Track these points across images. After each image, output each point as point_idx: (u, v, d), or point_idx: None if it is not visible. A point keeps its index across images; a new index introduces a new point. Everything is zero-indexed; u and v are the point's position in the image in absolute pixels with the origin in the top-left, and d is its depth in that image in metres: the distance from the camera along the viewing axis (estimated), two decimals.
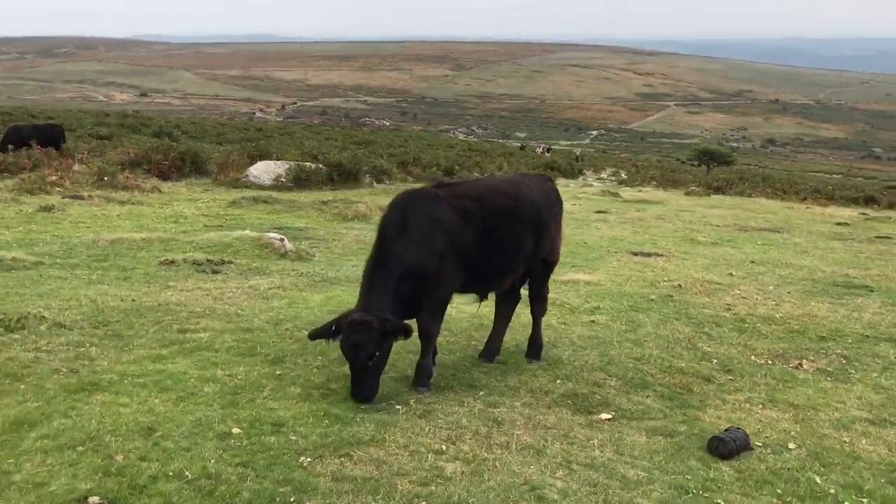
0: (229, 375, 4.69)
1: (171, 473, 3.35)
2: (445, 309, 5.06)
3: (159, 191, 15.48)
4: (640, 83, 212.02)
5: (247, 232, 9.34)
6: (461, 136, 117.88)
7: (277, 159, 18.83)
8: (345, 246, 10.22)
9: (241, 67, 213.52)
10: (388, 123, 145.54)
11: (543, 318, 5.81)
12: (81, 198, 13.68)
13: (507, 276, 5.34)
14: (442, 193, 4.98)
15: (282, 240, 9.11)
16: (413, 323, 4.70)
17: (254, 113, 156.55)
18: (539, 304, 5.72)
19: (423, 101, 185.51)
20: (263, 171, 17.30)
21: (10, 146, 21.22)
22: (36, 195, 13.74)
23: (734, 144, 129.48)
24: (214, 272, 7.72)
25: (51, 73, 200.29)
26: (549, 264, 5.74)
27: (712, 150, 68.93)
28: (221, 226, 11.18)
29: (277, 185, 16.72)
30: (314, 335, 4.64)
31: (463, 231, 4.88)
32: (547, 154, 45.87)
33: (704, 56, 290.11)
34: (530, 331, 5.73)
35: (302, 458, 3.65)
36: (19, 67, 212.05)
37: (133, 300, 6.31)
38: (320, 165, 18.10)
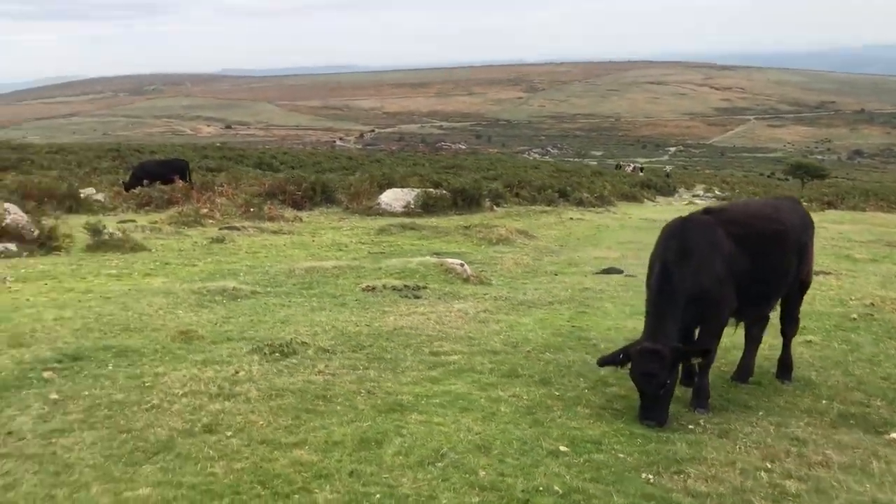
0: (513, 396, 4.90)
1: (540, 489, 3.55)
2: (722, 333, 5.17)
3: (300, 220, 16.08)
4: (718, 98, 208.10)
5: (427, 258, 9.65)
6: (536, 157, 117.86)
7: (401, 187, 19.33)
8: (508, 270, 10.42)
9: (320, 98, 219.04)
10: (464, 147, 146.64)
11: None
12: (237, 229, 14.33)
13: (773, 299, 5.44)
14: (714, 220, 5.11)
15: (462, 265, 9.38)
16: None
17: (334, 142, 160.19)
18: (792, 326, 5.78)
19: (497, 124, 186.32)
20: (393, 198, 17.78)
21: (146, 181, 22.39)
22: (193, 227, 14.46)
23: (819, 157, 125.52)
24: (416, 297, 8.01)
25: (141, 110, 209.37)
26: (805, 286, 5.81)
27: (806, 163, 66.93)
28: (383, 252, 11.56)
29: (408, 212, 17.15)
30: (603, 362, 4.82)
31: (738, 256, 4.99)
32: (640, 173, 45.47)
33: (783, 68, 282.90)
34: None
35: (644, 475, 3.80)
36: (113, 105, 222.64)
37: (367, 325, 6.62)
38: (443, 191, 18.50)
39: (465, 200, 18.49)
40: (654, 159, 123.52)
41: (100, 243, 11.10)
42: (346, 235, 13.80)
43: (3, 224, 10.82)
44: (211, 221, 15.20)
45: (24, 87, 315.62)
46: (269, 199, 17.87)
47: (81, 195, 17.99)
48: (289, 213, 16.67)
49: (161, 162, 26.26)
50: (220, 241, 12.23)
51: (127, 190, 21.77)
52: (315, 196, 18.72)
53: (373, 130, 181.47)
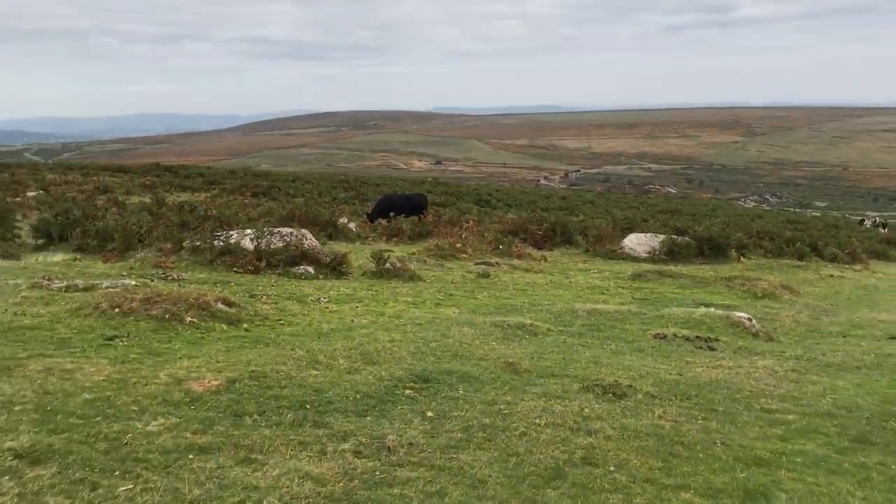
0: (879, 464, 4.75)
1: None
2: None
3: (545, 259, 16.44)
4: None
5: (711, 310, 9.54)
6: (753, 204, 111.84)
7: (642, 231, 19.24)
8: (789, 327, 10.01)
9: (527, 137, 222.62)
10: (673, 191, 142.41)
11: None
12: (491, 264, 14.93)
13: None
14: None
15: (749, 320, 9.18)
16: None
17: (538, 180, 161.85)
18: None
19: (711, 168, 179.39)
20: (637, 243, 17.72)
21: (392, 213, 23.87)
22: (450, 260, 15.23)
23: None
24: (710, 349, 7.95)
25: (361, 143, 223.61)
26: None
27: None
28: (647, 299, 11.55)
29: (653, 258, 17.01)
30: None
31: None
32: (883, 229, 41.80)
33: None
34: None
35: None
36: (336, 138, 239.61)
37: (679, 374, 6.68)
38: (688, 238, 18.16)
39: (712, 249, 18.02)
40: (888, 213, 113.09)
41: (383, 271, 12.04)
42: (598, 278, 13.91)
43: (303, 249, 12.05)
44: (464, 255, 15.93)
45: (263, 119, 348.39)
46: (512, 237, 18.44)
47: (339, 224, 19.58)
48: (537, 252, 17.10)
49: (405, 196, 27.93)
50: (485, 276, 12.81)
51: (371, 221, 23.35)
52: (555, 236, 19.07)
53: (578, 170, 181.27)
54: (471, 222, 19.91)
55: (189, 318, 7.27)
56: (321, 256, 12.11)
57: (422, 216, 24.72)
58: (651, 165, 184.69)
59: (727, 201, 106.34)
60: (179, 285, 9.76)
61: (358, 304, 9.25)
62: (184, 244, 12.14)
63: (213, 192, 40.65)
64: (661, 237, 17.98)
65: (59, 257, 12.16)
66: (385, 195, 28.90)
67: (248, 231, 12.53)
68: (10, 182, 36.08)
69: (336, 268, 12.01)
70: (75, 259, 12.06)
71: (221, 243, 12.00)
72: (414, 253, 15.85)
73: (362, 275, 12.13)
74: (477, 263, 14.87)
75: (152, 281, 9.89)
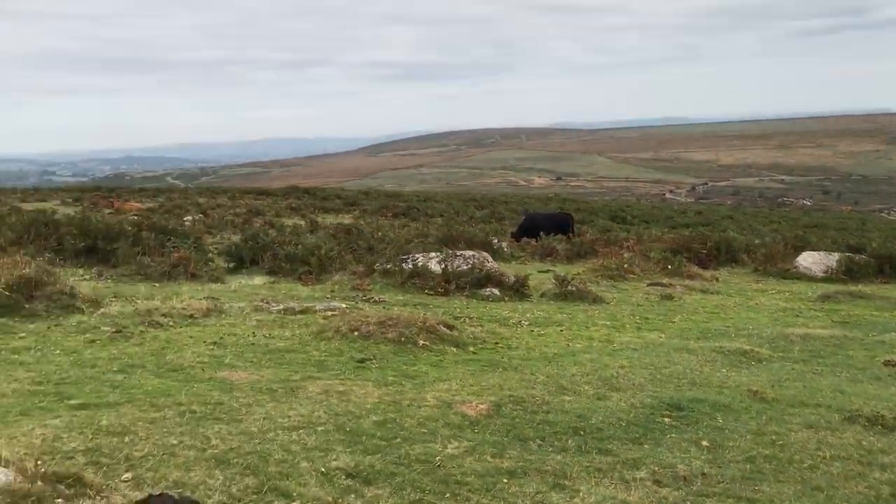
0: None
1: None
2: None
3: (716, 279, 16.06)
4: None
5: None
6: None
7: (813, 249, 18.49)
8: None
9: (651, 150, 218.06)
10: (808, 203, 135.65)
11: None
12: (664, 285, 14.71)
13: None
14: None
15: None
16: None
17: (663, 194, 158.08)
18: None
19: (849, 179, 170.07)
20: (812, 262, 17.04)
21: (541, 233, 23.96)
22: (620, 281, 15.13)
23: None
24: None
25: (480, 161, 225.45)
26: None
27: None
28: (847, 322, 11.08)
29: (829, 277, 16.31)
30: None
31: None
32: None
33: None
34: None
35: None
36: (455, 157, 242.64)
37: None
38: (866, 257, 17.33)
39: (893, 267, 17.10)
40: None
41: (566, 293, 12.13)
42: (782, 299, 13.45)
43: (487, 271, 12.32)
44: (633, 276, 15.79)
45: (383, 141, 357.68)
46: (678, 256, 18.13)
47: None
48: (701, 271, 16.74)
49: (549, 215, 28.00)
50: (668, 297, 12.67)
51: (517, 240, 23.49)
52: (720, 255, 18.62)
53: (706, 183, 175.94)
54: (631, 241, 19.72)
55: (422, 341, 7.60)
56: (504, 278, 12.33)
57: (568, 235, 24.66)
58: (783, 177, 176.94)
59: (870, 213, 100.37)
60: (384, 307, 10.20)
61: (560, 328, 9.36)
62: (375, 267, 12.68)
63: (355, 214, 42.09)
64: (836, 255, 17.21)
65: (258, 280, 12.93)
66: (529, 214, 29.03)
67: (432, 254, 12.94)
68: (172, 207, 38.62)
69: (519, 290, 12.20)
70: (273, 282, 12.80)
71: (410, 266, 12.45)
72: (579, 273, 15.81)
73: (541, 296, 12.27)
74: (650, 284, 14.70)
75: (358, 303, 10.38)
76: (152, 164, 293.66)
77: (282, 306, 9.94)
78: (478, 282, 12.01)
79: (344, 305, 10.01)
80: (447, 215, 41.61)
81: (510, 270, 13.84)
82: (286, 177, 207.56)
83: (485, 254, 13.24)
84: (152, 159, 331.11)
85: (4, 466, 4.00)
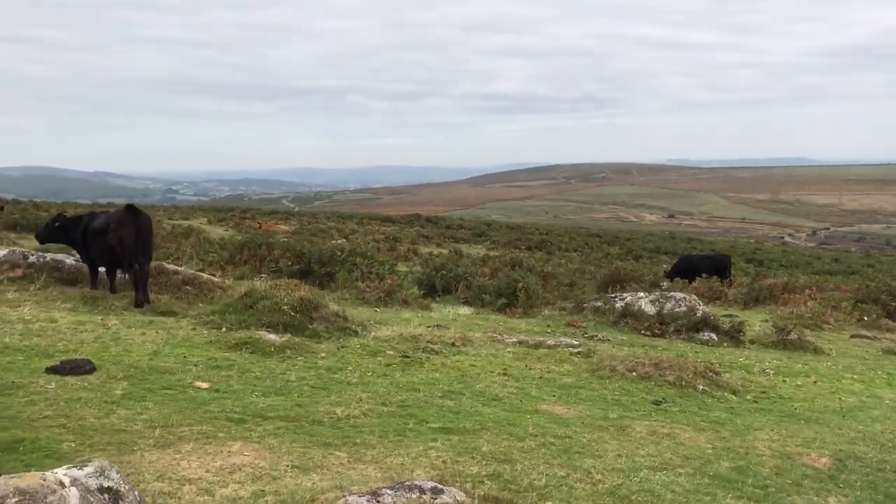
0: None
1: None
2: None
3: None
4: None
5: None
6: None
7: None
8: None
9: (768, 191, 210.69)
10: None
11: None
12: (867, 337, 14.23)
13: None
14: None
15: None
16: None
17: (782, 237, 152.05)
18: None
19: None
20: None
21: (698, 275, 23.52)
22: (817, 330, 14.68)
23: None
24: None
25: (589, 196, 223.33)
26: None
27: None
28: None
29: None
30: None
31: None
32: None
33: None
34: None
35: None
36: (564, 191, 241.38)
37: None
38: None
39: None
40: None
41: (785, 342, 11.87)
42: None
43: (704, 315, 12.22)
44: (828, 326, 15.30)
45: (492, 172, 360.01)
46: (866, 307, 17.45)
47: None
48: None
49: (706, 256, 27.45)
50: (893, 353, 12.22)
51: (670, 280, 23.11)
52: None
53: (827, 228, 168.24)
54: (813, 289, 19.10)
55: (701, 386, 7.63)
56: (718, 323, 12.20)
57: (724, 278, 24.10)
58: None
59: None
60: (612, 346, 10.29)
61: (808, 378, 9.17)
62: (584, 304, 12.80)
63: (487, 244, 42.44)
64: None
65: (463, 310, 13.24)
66: (685, 255, 28.61)
67: (641, 294, 12.95)
68: (317, 230, 40.09)
69: (734, 335, 12.03)
70: (477, 312, 13.09)
71: (620, 305, 12.50)
72: (766, 320, 15.46)
73: (751, 342, 12.06)
74: (852, 336, 14.22)
75: (584, 340, 10.49)
76: (268, 186, 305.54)
77: (515, 339, 10.17)
78: (694, 325, 11.92)
79: (576, 342, 10.13)
80: (583, 251, 41.45)
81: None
82: (396, 203, 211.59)
83: (694, 297, 13.11)
84: (268, 182, 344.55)
85: (450, 485, 4.29)
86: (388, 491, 4.04)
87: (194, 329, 8.53)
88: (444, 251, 33.93)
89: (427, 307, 13.21)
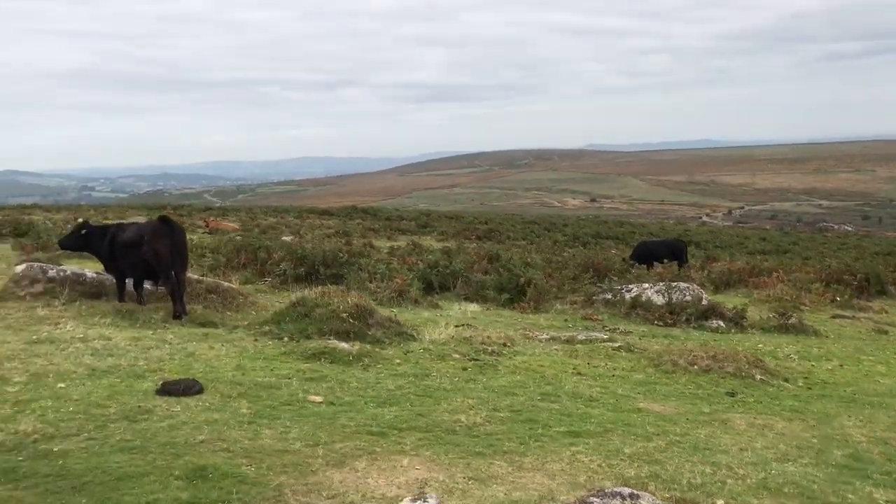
0: None
1: None
2: None
3: (885, 312, 16.41)
4: None
5: None
6: None
7: None
8: None
9: (685, 173, 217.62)
10: (850, 229, 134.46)
11: None
12: (846, 317, 15.13)
13: None
14: None
15: None
16: None
17: (700, 217, 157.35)
18: None
19: (890, 205, 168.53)
20: None
21: (652, 261, 24.25)
22: (794, 312, 15.53)
23: None
24: None
25: (513, 182, 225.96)
26: None
27: None
28: None
29: None
30: None
31: None
32: None
33: None
34: None
35: None
36: (488, 178, 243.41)
37: None
38: None
39: None
40: None
41: (787, 326, 12.55)
42: None
43: (711, 303, 12.80)
44: (806, 308, 16.17)
45: (415, 161, 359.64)
46: (839, 288, 18.45)
47: None
48: (875, 303, 17.12)
49: (662, 242, 28.32)
50: (882, 332, 13.07)
51: (631, 266, 23.80)
52: (869, 287, 18.97)
53: (742, 207, 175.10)
54: (780, 272, 20.10)
55: (759, 376, 8.09)
56: (723, 310, 12.80)
57: (681, 264, 25.01)
58: (822, 202, 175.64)
59: None
60: (638, 337, 10.72)
61: (833, 362, 9.77)
62: (594, 297, 13.21)
63: (436, 236, 42.51)
64: None
65: (472, 307, 13.46)
66: (642, 242, 29.42)
67: (646, 285, 13.44)
68: (266, 227, 39.46)
69: (738, 322, 12.65)
70: (487, 309, 13.34)
71: (629, 297, 12.96)
72: (746, 304, 16.23)
73: (751, 327, 12.70)
74: (833, 317, 15.09)
75: (608, 333, 10.87)
76: (188, 181, 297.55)
77: (546, 336, 10.49)
78: (703, 314, 12.47)
79: (605, 336, 10.51)
80: (530, 239, 42.09)
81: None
82: (322, 195, 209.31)
83: (695, 286, 13.70)
84: (187, 176, 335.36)
85: (624, 485, 4.55)
86: (595, 499, 4.28)
87: (257, 340, 8.51)
88: (401, 244, 33.71)
89: (436, 305, 13.37)
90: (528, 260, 20.92)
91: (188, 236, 11.72)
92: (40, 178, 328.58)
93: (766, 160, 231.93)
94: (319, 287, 13.75)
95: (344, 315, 8.80)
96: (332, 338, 8.47)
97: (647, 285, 13.40)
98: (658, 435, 5.90)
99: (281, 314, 9.18)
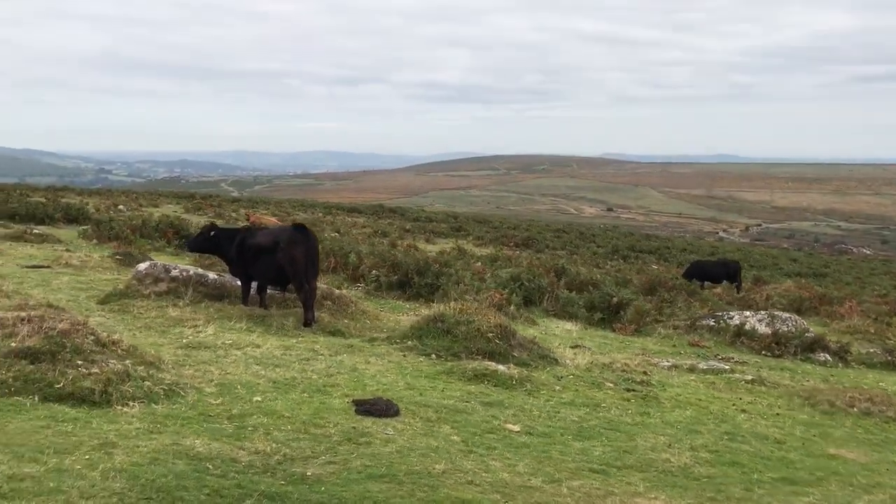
0: None
1: None
2: None
3: None
4: None
5: None
6: None
7: None
8: None
9: (704, 187, 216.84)
10: (868, 252, 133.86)
11: None
12: None
13: None
14: None
15: None
16: None
17: (717, 233, 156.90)
18: None
19: None
20: None
21: (703, 280, 24.18)
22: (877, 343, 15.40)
23: None
24: None
25: (530, 187, 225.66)
26: None
27: None
28: None
29: None
30: None
31: None
32: None
33: None
34: None
35: None
36: (505, 182, 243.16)
37: None
38: None
39: None
40: None
41: (893, 363, 12.43)
42: None
43: (811, 334, 12.68)
44: (890, 342, 16.03)
45: (432, 161, 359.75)
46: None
47: None
48: None
49: (720, 262, 28.17)
50: None
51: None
52: None
53: (760, 224, 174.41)
54: (854, 301, 19.95)
55: None
56: (827, 343, 12.68)
57: (738, 285, 24.91)
58: (840, 223, 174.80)
59: None
60: (757, 369, 10.61)
61: None
62: (697, 323, 13.12)
63: (472, 241, 42.27)
64: None
65: (568, 326, 13.37)
66: (697, 261, 29.30)
67: (747, 313, 13.34)
68: (309, 223, 39.40)
69: (843, 356, 12.53)
70: (584, 328, 13.24)
71: (734, 324, 12.86)
72: (825, 334, 16.08)
73: (854, 362, 12.57)
74: None
75: (728, 363, 10.78)
76: (205, 168, 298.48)
77: (668, 363, 10.39)
78: (809, 346, 12.35)
79: (727, 367, 10.40)
80: (570, 249, 41.97)
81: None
82: (338, 190, 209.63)
83: (796, 316, 13.59)
84: (205, 164, 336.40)
85: None
86: None
87: (405, 356, 8.44)
88: (444, 247, 33.35)
89: (533, 322, 13.28)
90: (594, 276, 20.82)
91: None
92: (59, 158, 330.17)
93: (785, 178, 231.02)
94: (410, 295, 13.72)
95: (490, 335, 8.72)
96: (479, 357, 8.40)
97: (748, 313, 13.30)
98: (874, 487, 5.80)
99: (420, 329, 9.10)
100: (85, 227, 21.59)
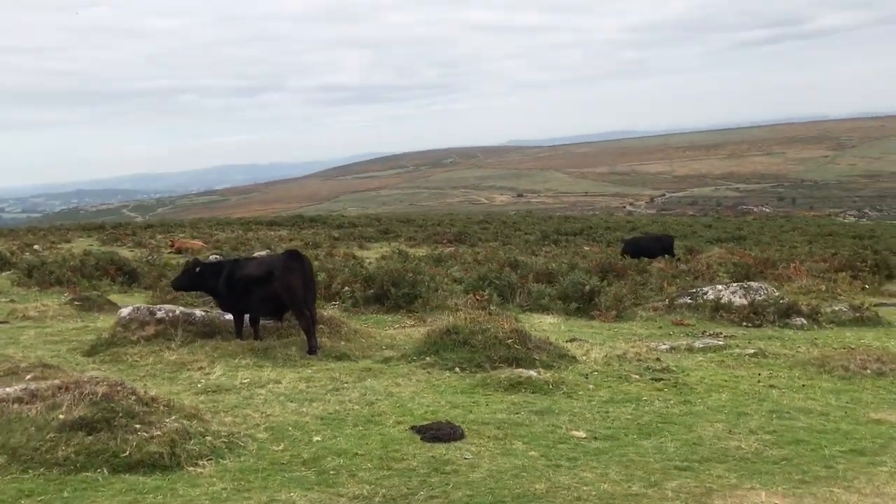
0: None
1: None
2: None
3: None
4: None
5: None
6: (852, 219, 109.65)
7: None
8: None
9: (606, 164, 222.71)
10: (768, 210, 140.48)
11: None
12: (890, 305, 15.83)
13: None
14: None
15: None
16: None
17: (624, 207, 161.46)
18: None
19: (802, 185, 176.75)
20: None
21: (642, 257, 24.59)
22: (829, 302, 16.14)
23: None
24: None
25: (440, 181, 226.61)
26: None
27: None
28: None
29: None
30: None
31: None
32: None
33: None
34: None
35: None
36: (415, 178, 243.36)
37: None
38: None
39: None
40: None
41: (863, 318, 13.01)
42: None
43: (784, 301, 13.15)
44: (842, 296, 16.81)
45: (340, 164, 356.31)
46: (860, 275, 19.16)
47: None
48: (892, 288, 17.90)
49: (654, 238, 28.91)
50: None
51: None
52: (879, 272, 19.85)
53: (664, 195, 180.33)
54: (797, 262, 20.80)
55: None
56: (800, 307, 13.16)
57: (672, 258, 25.65)
58: (739, 185, 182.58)
59: (828, 217, 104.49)
60: (747, 341, 10.93)
61: None
62: (675, 302, 13.40)
63: (406, 242, 42.04)
64: None
65: (549, 319, 13.43)
66: (632, 238, 30.00)
67: (720, 286, 13.71)
68: (236, 243, 38.31)
69: (815, 318, 13.03)
70: (565, 319, 13.34)
71: (711, 299, 13.20)
72: (782, 297, 16.73)
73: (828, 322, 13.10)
74: (876, 305, 15.71)
75: (725, 338, 11.05)
76: (104, 196, 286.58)
77: (666, 346, 10.58)
78: (785, 312, 12.80)
79: (721, 343, 10.66)
80: (504, 239, 42.26)
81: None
82: (246, 203, 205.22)
83: (761, 284, 14.05)
84: (104, 192, 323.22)
85: None
86: None
87: (429, 373, 8.29)
88: (380, 253, 32.75)
89: (516, 319, 13.27)
90: (548, 266, 21.00)
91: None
92: None
93: (683, 148, 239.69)
94: (389, 307, 13.49)
95: (509, 342, 8.66)
96: (502, 365, 8.33)
97: (720, 287, 13.68)
98: None
99: (435, 343, 8.95)
100: (12, 273, 20.34)
